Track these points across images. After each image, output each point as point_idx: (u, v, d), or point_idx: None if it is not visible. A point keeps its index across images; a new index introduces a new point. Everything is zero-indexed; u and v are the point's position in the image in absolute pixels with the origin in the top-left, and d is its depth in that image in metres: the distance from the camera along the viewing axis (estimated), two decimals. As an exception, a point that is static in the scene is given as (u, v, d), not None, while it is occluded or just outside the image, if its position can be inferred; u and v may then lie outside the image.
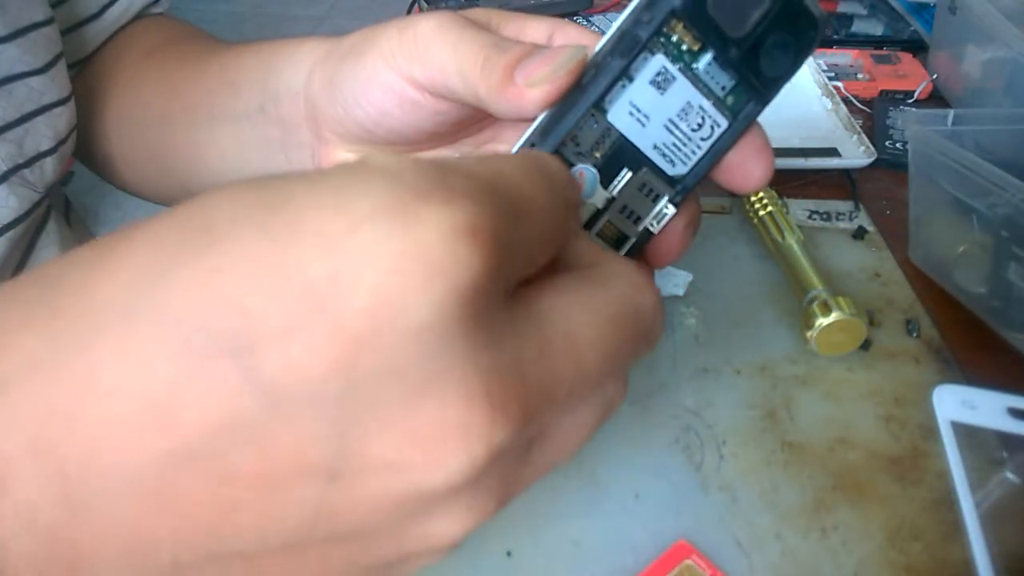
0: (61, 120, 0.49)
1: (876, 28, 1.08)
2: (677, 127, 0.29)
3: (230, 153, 0.48)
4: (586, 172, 0.29)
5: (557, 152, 0.29)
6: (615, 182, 0.30)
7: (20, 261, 0.48)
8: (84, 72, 0.56)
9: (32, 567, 0.18)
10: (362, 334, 0.18)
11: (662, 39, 0.27)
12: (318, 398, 0.18)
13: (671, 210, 0.31)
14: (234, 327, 0.18)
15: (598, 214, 0.30)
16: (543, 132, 0.29)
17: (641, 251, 0.32)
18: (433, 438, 0.18)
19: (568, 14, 1.07)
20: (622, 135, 0.29)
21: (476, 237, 0.18)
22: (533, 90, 0.28)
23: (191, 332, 0.18)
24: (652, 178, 0.30)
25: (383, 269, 0.18)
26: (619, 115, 0.28)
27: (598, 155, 0.29)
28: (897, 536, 0.49)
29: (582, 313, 0.22)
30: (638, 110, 0.28)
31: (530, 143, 0.29)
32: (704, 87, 0.29)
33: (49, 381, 0.18)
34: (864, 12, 1.11)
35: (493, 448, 0.19)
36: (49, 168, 0.48)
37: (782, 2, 0.28)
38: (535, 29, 0.35)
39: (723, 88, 0.29)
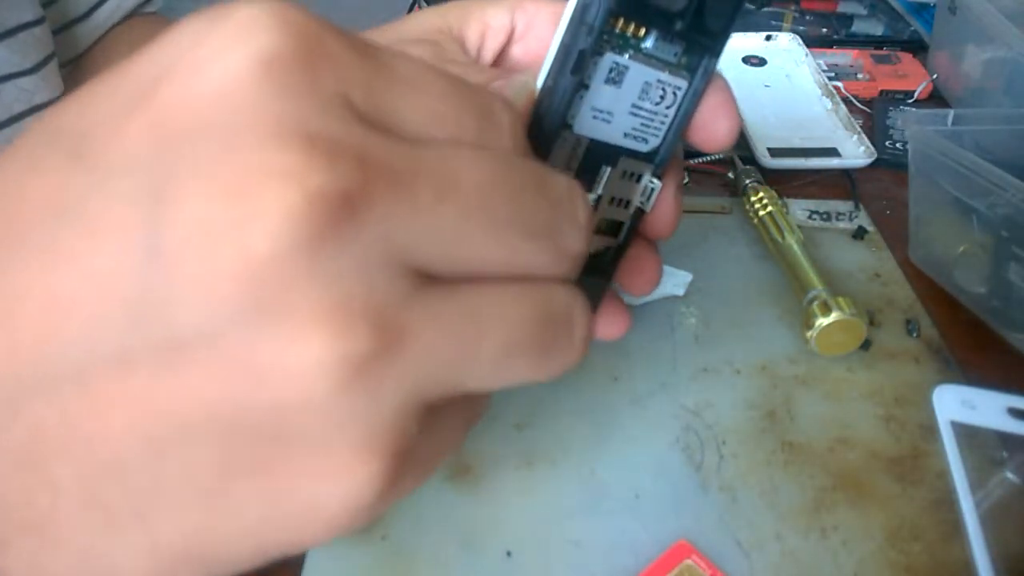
0: None
1: (876, 28, 1.08)
2: (641, 108, 0.29)
3: None
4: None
5: None
6: (597, 182, 0.29)
7: None
8: (75, 72, 0.56)
9: None
10: (167, 98, 0.18)
11: (605, 38, 0.27)
12: (130, 162, 0.17)
13: (656, 184, 0.31)
14: (71, 124, 0.19)
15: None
16: None
17: (638, 230, 0.32)
18: (243, 186, 0.16)
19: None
20: (592, 139, 0.28)
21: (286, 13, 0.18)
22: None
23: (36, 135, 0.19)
24: (630, 162, 0.30)
25: (190, 33, 0.18)
26: (584, 123, 0.28)
27: (574, 167, 0.29)
28: (897, 536, 0.49)
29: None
30: (601, 111, 0.28)
31: None
32: (657, 61, 0.28)
33: None
34: (864, 12, 1.11)
35: (311, 192, 0.16)
36: None
37: None
38: (494, 17, 0.34)
39: (675, 55, 0.29)
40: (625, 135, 0.29)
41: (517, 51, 0.34)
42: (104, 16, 0.57)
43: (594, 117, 0.28)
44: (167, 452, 0.17)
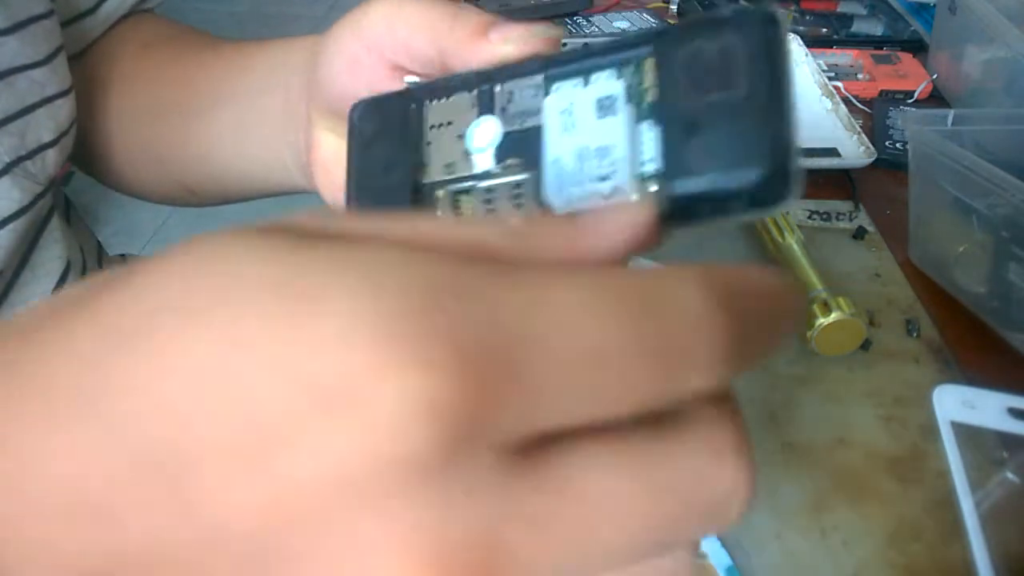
0: (62, 111, 0.49)
1: (876, 28, 1.08)
2: (584, 162, 0.25)
3: (228, 134, 0.48)
4: (493, 125, 0.28)
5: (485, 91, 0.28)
6: (503, 162, 0.27)
7: (24, 257, 0.48)
8: (79, 66, 0.56)
9: None
10: (303, 481, 0.16)
11: (632, 69, 0.25)
12: (248, 541, 0.16)
13: None
14: (175, 448, 0.16)
15: (473, 177, 0.28)
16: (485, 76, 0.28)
17: None
18: None
19: (568, 14, 1.07)
20: (539, 126, 0.26)
21: (437, 412, 0.15)
22: (506, 46, 0.28)
23: (130, 445, 0.16)
24: (529, 190, 0.27)
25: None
26: (553, 105, 0.26)
27: (514, 127, 0.27)
28: (897, 536, 0.49)
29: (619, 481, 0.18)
30: (570, 115, 0.26)
31: (462, 79, 0.28)
32: (633, 143, 0.25)
33: None
34: (864, 12, 1.11)
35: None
36: (51, 160, 0.49)
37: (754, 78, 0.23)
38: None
39: (648, 159, 0.25)
40: (554, 162, 0.26)
41: None
42: (108, 11, 0.57)
43: (561, 112, 0.26)
44: None
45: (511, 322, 0.16)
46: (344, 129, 0.32)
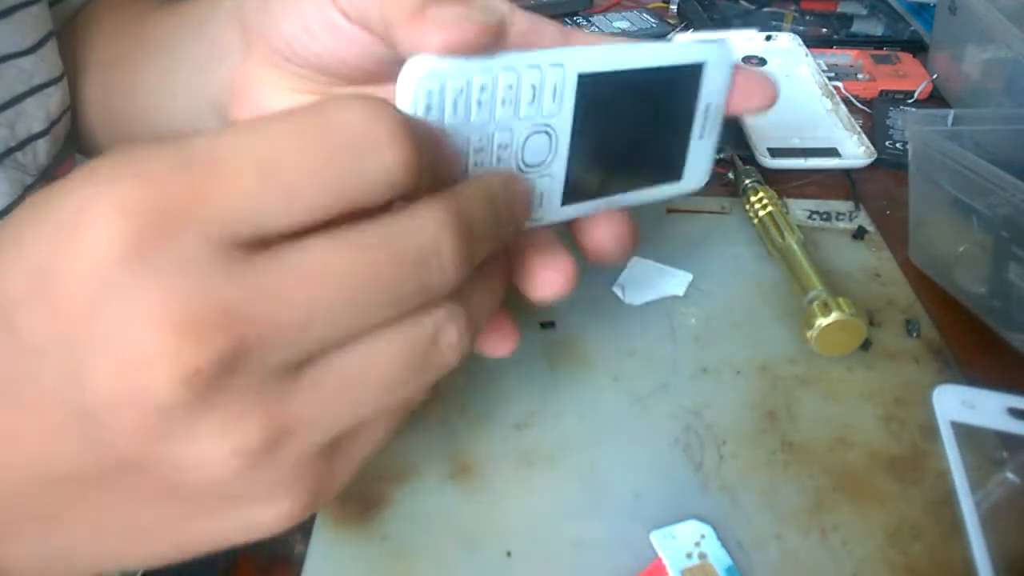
0: (53, 100, 0.49)
1: (876, 28, 1.08)
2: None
3: (164, 83, 0.48)
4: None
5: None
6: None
7: None
8: (64, 38, 0.55)
9: None
10: (61, 286, 0.21)
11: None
12: (46, 345, 0.22)
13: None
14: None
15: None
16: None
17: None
18: (134, 369, 0.21)
19: (568, 14, 1.07)
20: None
21: (131, 208, 0.21)
22: (439, 31, 0.28)
23: None
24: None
25: (61, 209, 0.21)
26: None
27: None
28: (897, 536, 0.49)
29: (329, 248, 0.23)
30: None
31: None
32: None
33: None
34: (864, 12, 1.11)
35: (187, 370, 0.20)
36: (42, 150, 0.48)
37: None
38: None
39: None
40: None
41: None
42: None
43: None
44: (121, 522, 0.26)
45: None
46: (286, 83, 0.36)
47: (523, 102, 0.30)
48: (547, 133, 0.32)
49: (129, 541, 0.26)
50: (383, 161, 0.23)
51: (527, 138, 0.31)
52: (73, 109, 0.54)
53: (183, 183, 0.21)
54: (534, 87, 0.30)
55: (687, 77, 0.35)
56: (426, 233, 0.24)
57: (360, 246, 0.23)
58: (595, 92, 0.32)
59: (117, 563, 0.27)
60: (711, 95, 0.37)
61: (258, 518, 0.25)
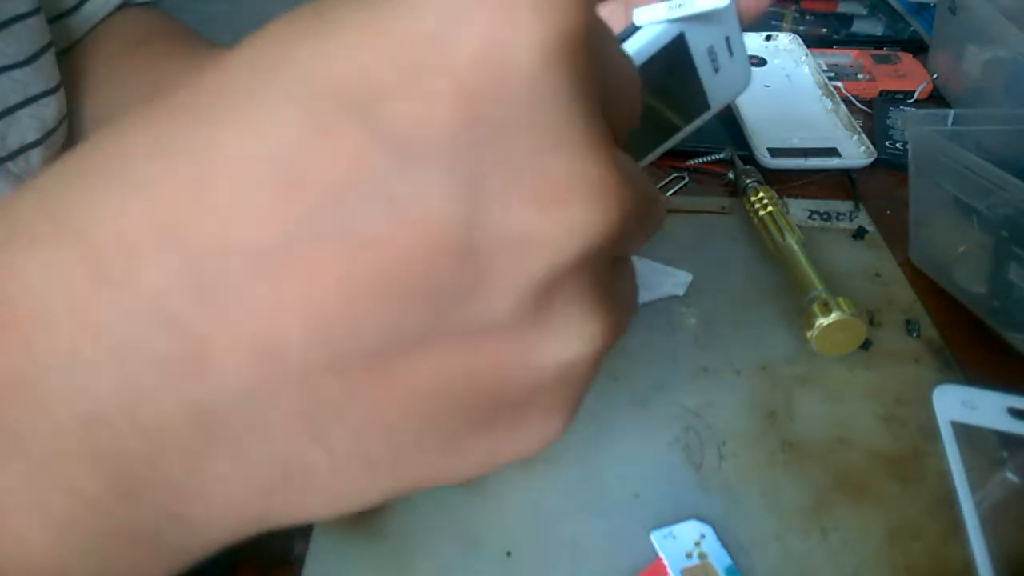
0: (49, 110, 0.49)
1: (876, 28, 1.08)
2: None
3: None
4: None
5: None
6: None
7: None
8: (66, 62, 0.55)
9: (157, 366, 0.17)
10: (479, 82, 0.17)
11: None
12: (447, 150, 0.17)
13: None
14: (354, 85, 0.17)
15: None
16: None
17: None
18: (565, 196, 0.17)
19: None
20: None
21: None
22: None
23: (311, 94, 0.17)
24: None
25: (488, 13, 0.17)
26: None
27: None
28: (897, 536, 0.49)
29: None
30: None
31: None
32: None
33: (169, 161, 0.17)
34: (864, 12, 1.11)
35: (622, 213, 0.18)
36: (36, 159, 0.48)
37: None
38: None
39: None
40: None
41: None
42: (93, 9, 0.56)
43: None
44: (434, 418, 0.20)
45: None
46: None
47: None
48: None
49: (379, 465, 0.20)
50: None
51: None
52: (75, 123, 0.54)
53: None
54: None
55: (675, 48, 0.38)
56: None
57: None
58: None
59: (350, 501, 0.21)
60: (710, 38, 0.39)
61: (525, 443, 0.21)
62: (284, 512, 0.20)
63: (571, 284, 0.18)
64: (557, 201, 0.17)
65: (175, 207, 0.17)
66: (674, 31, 0.37)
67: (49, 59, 0.49)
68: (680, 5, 0.35)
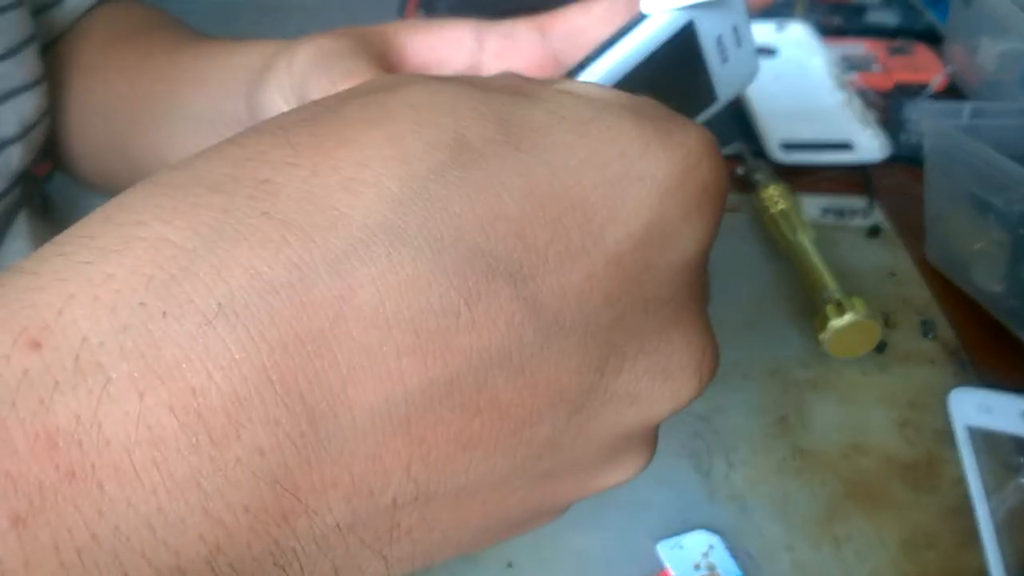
0: (29, 105, 0.48)
1: (890, 19, 1.07)
2: None
3: (188, 143, 0.46)
4: None
5: None
6: None
7: None
8: (48, 57, 0.54)
9: (246, 514, 0.16)
10: (635, 264, 0.18)
11: None
12: (591, 328, 0.17)
13: None
14: (512, 251, 0.16)
15: None
16: None
17: None
18: (678, 371, 0.19)
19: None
20: None
21: (718, 156, 0.20)
22: None
23: (467, 254, 0.16)
24: None
25: (656, 194, 0.18)
26: None
27: None
28: (911, 545, 0.48)
29: None
30: None
31: None
32: None
33: (294, 302, 0.15)
34: (877, 2, 1.09)
35: (712, 376, 0.21)
36: (15, 155, 0.47)
37: None
38: (454, 39, 0.33)
39: None
40: None
41: None
42: (75, 3, 0.55)
43: None
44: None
45: None
46: None
47: None
48: None
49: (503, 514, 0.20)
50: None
51: None
52: (53, 125, 0.53)
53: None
54: None
55: (684, 38, 0.37)
56: None
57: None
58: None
59: (471, 544, 0.21)
60: (720, 27, 0.38)
61: (614, 475, 0.22)
62: None
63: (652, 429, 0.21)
64: (671, 373, 0.19)
65: (295, 354, 0.15)
66: (683, 19, 0.36)
67: (31, 52, 0.48)
68: None
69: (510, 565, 0.46)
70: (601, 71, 0.34)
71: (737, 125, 0.83)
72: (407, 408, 0.16)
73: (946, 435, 0.54)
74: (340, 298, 0.15)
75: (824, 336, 0.57)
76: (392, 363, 0.16)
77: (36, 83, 0.48)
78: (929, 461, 0.53)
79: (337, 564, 0.18)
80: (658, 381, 0.19)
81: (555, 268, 0.17)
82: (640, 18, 0.35)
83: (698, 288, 0.20)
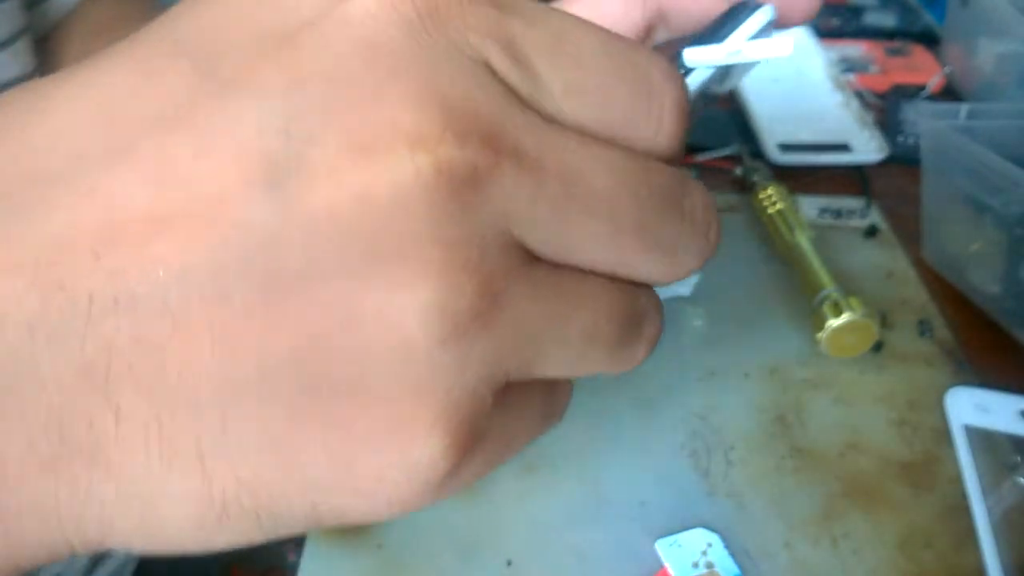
0: None
1: (887, 20, 1.07)
2: None
3: None
4: None
5: None
6: None
7: None
8: (45, 49, 0.54)
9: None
10: (308, 43, 0.17)
11: None
12: (262, 93, 0.17)
13: None
14: (197, 38, 0.18)
15: None
16: None
17: None
18: (378, 140, 0.17)
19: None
20: None
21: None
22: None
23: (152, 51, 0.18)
24: None
25: None
26: None
27: None
28: (908, 544, 0.48)
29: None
30: None
31: None
32: None
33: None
34: (875, 3, 1.09)
35: (440, 160, 0.17)
36: None
37: None
38: None
39: None
40: None
41: None
42: None
43: None
44: (243, 392, 0.17)
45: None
46: None
47: None
48: None
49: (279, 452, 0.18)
50: (655, 123, 0.21)
51: None
52: None
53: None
54: None
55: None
56: (681, 181, 0.21)
57: (629, 158, 0.20)
58: None
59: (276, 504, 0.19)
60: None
61: (389, 464, 0.18)
62: None
63: (416, 234, 0.17)
64: (373, 144, 0.17)
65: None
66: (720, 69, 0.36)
67: (24, 44, 0.49)
68: (739, 51, 0.34)
69: (509, 563, 0.47)
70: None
71: (735, 126, 0.83)
72: (100, 167, 0.17)
73: (943, 434, 0.54)
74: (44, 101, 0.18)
75: (822, 336, 0.57)
76: (83, 131, 0.18)
77: (29, 75, 0.49)
78: (926, 460, 0.53)
79: (53, 403, 0.17)
80: (358, 152, 0.17)
81: (238, 47, 0.18)
82: (685, 72, 0.35)
83: (408, 63, 0.18)
